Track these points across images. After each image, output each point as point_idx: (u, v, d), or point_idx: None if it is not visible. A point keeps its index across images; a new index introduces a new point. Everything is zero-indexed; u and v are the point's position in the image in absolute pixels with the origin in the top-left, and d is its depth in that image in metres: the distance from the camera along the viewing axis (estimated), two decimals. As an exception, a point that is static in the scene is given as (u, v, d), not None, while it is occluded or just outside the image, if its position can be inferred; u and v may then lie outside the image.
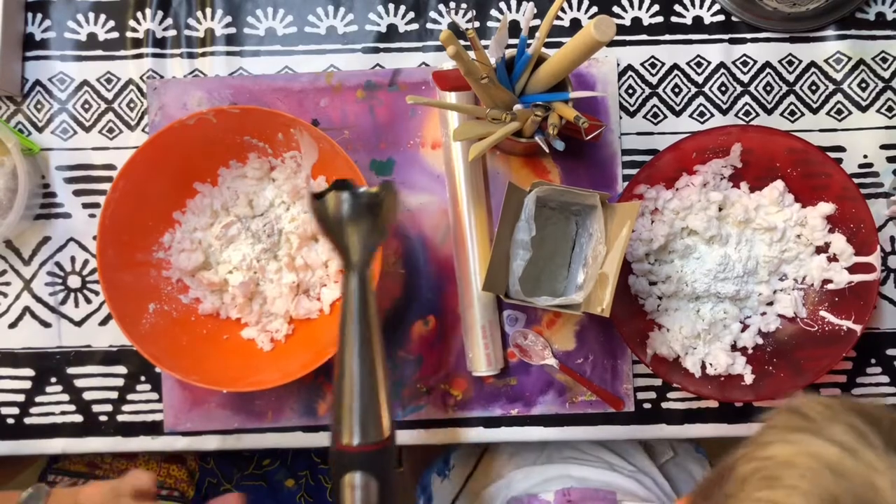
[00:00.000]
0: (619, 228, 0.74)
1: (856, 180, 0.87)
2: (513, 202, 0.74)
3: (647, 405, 0.90)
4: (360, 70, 0.92)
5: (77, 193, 0.92)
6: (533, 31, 0.89)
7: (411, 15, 0.93)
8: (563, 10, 0.93)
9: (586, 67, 0.91)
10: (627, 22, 0.92)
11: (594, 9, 0.93)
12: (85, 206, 0.92)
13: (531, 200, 0.74)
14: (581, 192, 0.75)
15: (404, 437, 0.90)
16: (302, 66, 0.92)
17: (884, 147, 0.91)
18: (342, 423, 0.65)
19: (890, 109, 0.91)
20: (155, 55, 0.92)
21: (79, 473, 1.01)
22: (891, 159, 0.91)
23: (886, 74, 0.92)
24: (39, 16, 0.93)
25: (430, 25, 0.93)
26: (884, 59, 0.92)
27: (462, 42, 0.70)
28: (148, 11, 0.92)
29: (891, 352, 0.90)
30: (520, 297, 0.74)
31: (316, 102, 0.91)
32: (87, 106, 0.92)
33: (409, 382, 0.90)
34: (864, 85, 0.92)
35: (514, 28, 0.92)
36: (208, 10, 0.93)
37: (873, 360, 0.90)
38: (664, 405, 0.90)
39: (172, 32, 0.93)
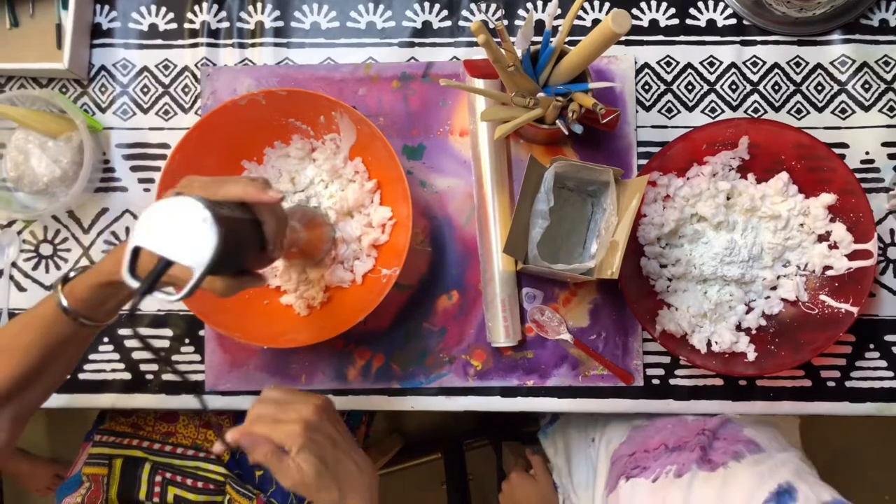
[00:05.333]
0: (629, 201, 0.80)
1: (858, 175, 0.93)
2: (533, 176, 0.81)
3: (655, 381, 0.96)
4: (395, 62, 1.00)
5: (134, 169, 1.00)
6: (556, 28, 0.96)
7: (445, 13, 1.01)
8: (584, 10, 1.00)
9: (606, 64, 0.98)
10: (645, 23, 0.99)
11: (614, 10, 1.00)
12: (140, 181, 1.00)
13: (550, 174, 0.81)
14: (596, 168, 0.82)
15: (428, 402, 0.97)
16: (343, 58, 1.00)
17: (885, 144, 0.97)
18: None
19: (891, 109, 0.97)
20: (209, 45, 1.01)
21: (124, 434, 1.08)
22: (892, 156, 0.97)
23: (888, 77, 0.97)
24: (107, 7, 1.02)
25: (461, 23, 1.00)
26: (886, 63, 0.98)
27: (494, 39, 0.77)
28: (204, 5, 1.01)
29: (889, 338, 0.95)
30: (537, 262, 0.81)
31: (355, 91, 0.99)
32: (146, 90, 1.01)
33: (433, 352, 0.97)
34: (867, 86, 0.98)
35: (539, 28, 0.99)
36: (259, 5, 1.01)
37: (871, 346, 0.96)
38: (672, 381, 0.96)
39: (226, 24, 1.01)
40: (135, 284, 0.56)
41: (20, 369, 0.73)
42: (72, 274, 0.73)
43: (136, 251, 0.56)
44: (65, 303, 0.71)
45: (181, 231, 0.55)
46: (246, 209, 0.64)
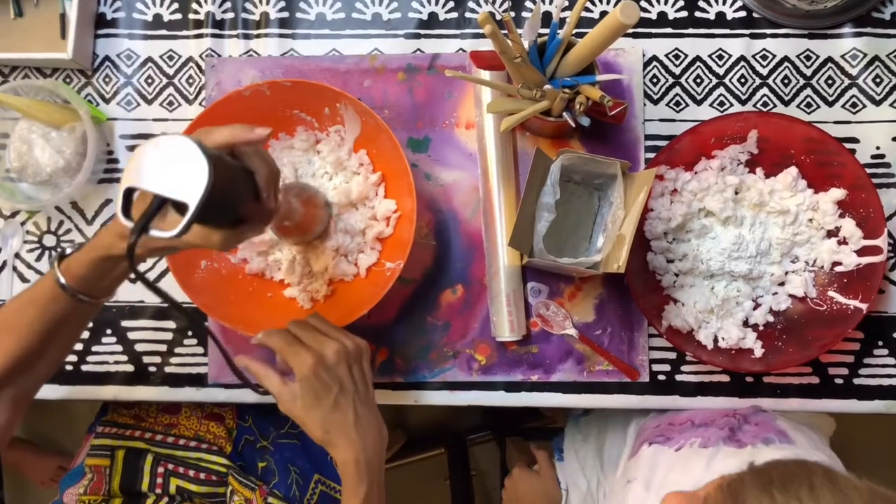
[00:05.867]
0: (636, 195, 0.79)
1: (868, 170, 0.92)
2: (539, 168, 0.80)
3: (661, 377, 0.95)
4: (401, 54, 0.99)
5: (137, 161, 0.99)
6: (563, 20, 0.95)
7: (451, 4, 1.00)
8: (592, 2, 0.99)
9: (613, 56, 0.97)
10: (654, 15, 0.98)
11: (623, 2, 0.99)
12: (144, 172, 0.99)
13: (557, 167, 0.80)
14: (603, 160, 0.81)
15: (432, 397, 0.96)
16: (348, 49, 1.00)
17: (896, 139, 0.96)
18: None
19: (903, 104, 0.96)
20: (214, 35, 1.00)
21: (126, 425, 1.08)
22: (902, 151, 0.96)
23: (900, 71, 0.96)
24: (111, -3, 1.01)
25: (468, 14, 0.99)
26: (898, 56, 0.97)
27: (501, 30, 0.77)
28: (209, -5, 1.01)
29: (897, 335, 0.95)
30: (543, 255, 0.80)
31: (360, 83, 0.98)
32: (150, 80, 1.00)
33: (437, 346, 0.96)
34: (878, 80, 0.96)
35: (546, 19, 0.98)
36: (264, -4, 1.01)
37: (880, 343, 0.95)
38: (678, 377, 0.95)
39: (230, 15, 1.01)
40: (129, 224, 0.55)
41: (21, 348, 0.72)
42: (69, 251, 0.73)
43: (130, 192, 0.55)
44: (62, 280, 0.70)
45: (173, 168, 0.54)
46: (236, 159, 0.64)
